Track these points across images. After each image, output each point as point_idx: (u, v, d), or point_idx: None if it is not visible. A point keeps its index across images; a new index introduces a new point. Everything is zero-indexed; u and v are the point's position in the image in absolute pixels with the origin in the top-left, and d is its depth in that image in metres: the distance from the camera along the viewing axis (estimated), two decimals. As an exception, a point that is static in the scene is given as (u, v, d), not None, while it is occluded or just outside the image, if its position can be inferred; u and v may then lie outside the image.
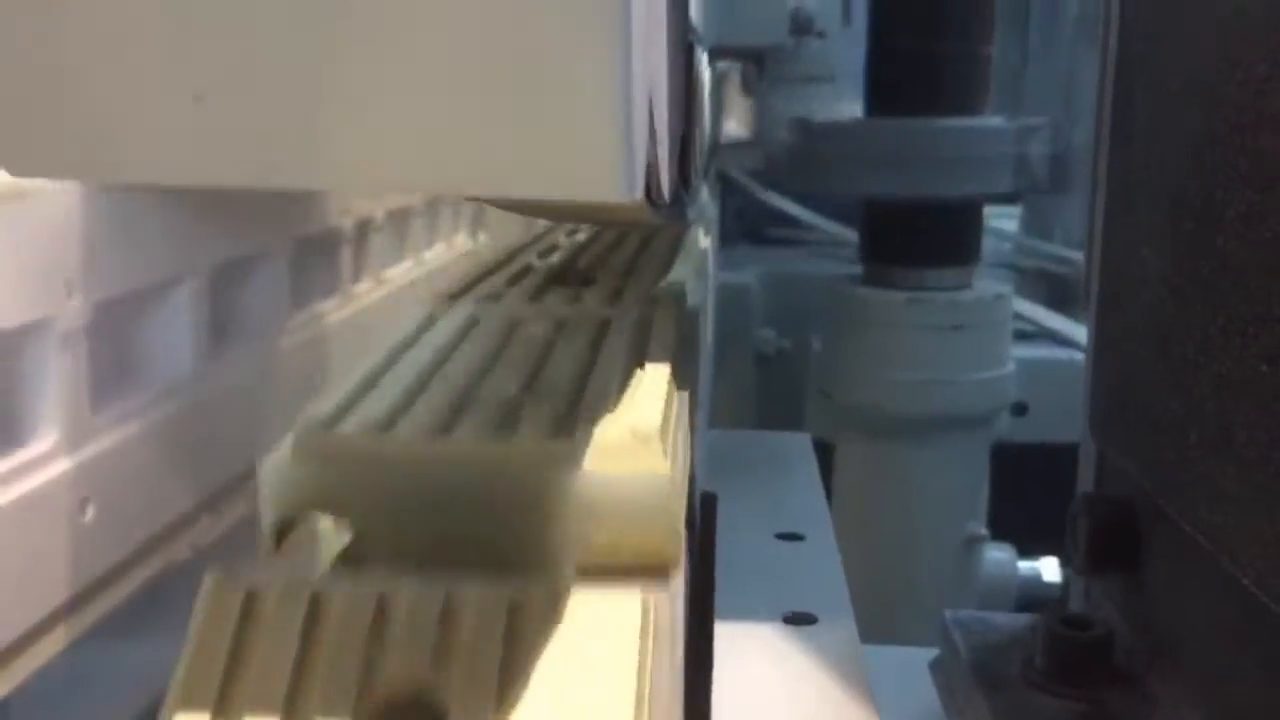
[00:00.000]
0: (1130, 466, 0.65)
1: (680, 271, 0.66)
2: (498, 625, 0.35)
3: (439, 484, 0.37)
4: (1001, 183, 1.77)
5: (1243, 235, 0.50)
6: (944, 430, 1.80)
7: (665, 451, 0.37)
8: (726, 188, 2.18)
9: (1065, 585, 1.61)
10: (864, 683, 0.58)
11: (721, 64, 2.07)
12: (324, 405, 0.40)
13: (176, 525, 0.76)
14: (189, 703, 0.33)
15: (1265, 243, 0.48)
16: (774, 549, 0.76)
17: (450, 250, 1.32)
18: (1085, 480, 0.74)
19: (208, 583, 0.37)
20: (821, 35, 2.14)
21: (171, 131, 0.29)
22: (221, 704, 0.33)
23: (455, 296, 0.59)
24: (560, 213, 0.66)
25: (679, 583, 0.39)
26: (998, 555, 1.89)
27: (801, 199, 2.32)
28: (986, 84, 1.80)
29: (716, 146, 1.56)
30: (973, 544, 1.85)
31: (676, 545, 0.37)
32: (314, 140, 0.29)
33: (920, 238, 1.80)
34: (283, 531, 0.37)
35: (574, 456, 0.36)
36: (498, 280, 0.64)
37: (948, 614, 0.72)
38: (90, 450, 0.67)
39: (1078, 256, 1.97)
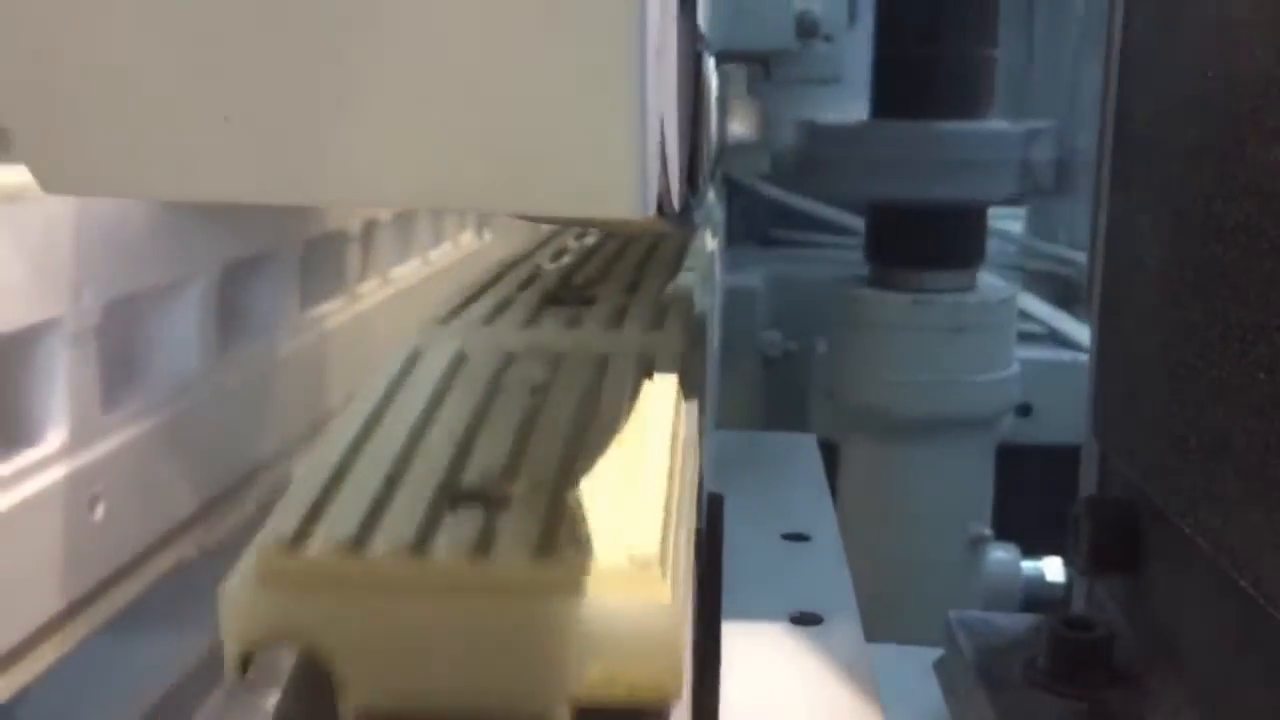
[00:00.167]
0: (1131, 470, 0.65)
1: (688, 276, 0.66)
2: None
3: (416, 611, 0.34)
4: (1006, 186, 1.77)
5: (1241, 245, 0.51)
6: (948, 431, 1.80)
7: (665, 574, 0.34)
8: (732, 189, 2.18)
9: (1069, 585, 1.62)
10: (869, 682, 0.59)
11: (727, 66, 2.07)
12: (288, 516, 0.37)
13: (185, 524, 0.76)
14: None
15: (1262, 253, 0.49)
16: (780, 549, 0.76)
17: (456, 250, 1.32)
18: (1088, 482, 0.74)
19: None
20: (828, 39, 2.14)
21: (201, 150, 0.29)
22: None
23: (446, 320, 0.58)
24: (570, 219, 0.66)
25: (682, 712, 0.38)
26: (1002, 555, 1.89)
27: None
28: (991, 87, 1.80)
29: (722, 149, 1.57)
30: (977, 544, 1.85)
31: (677, 680, 0.35)
32: (337, 159, 0.30)
33: (925, 240, 1.81)
34: (247, 660, 0.35)
35: (567, 581, 0.34)
36: (493, 298, 0.63)
37: (951, 614, 0.73)
38: (100, 449, 0.67)
39: (1082, 258, 1.97)
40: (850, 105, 1.97)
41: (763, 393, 2.20)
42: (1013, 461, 1.87)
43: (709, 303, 0.71)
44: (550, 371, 0.52)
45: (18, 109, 0.29)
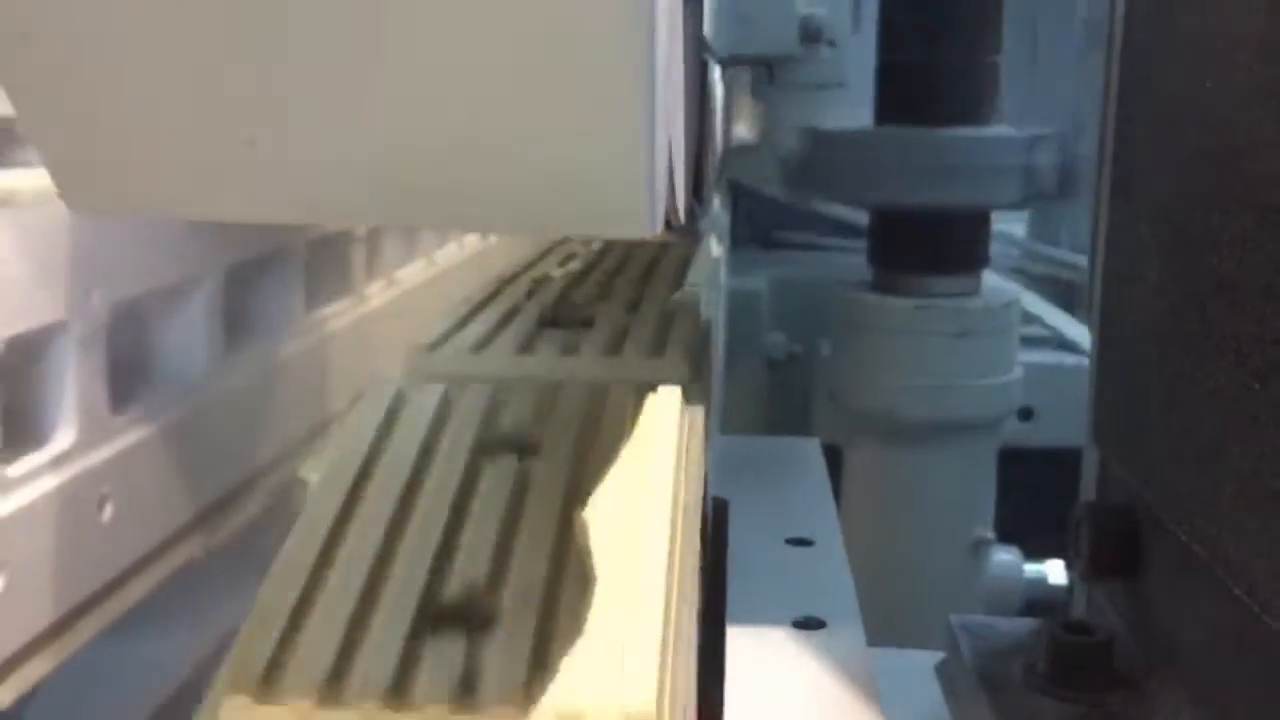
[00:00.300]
0: (1130, 476, 0.66)
1: (694, 282, 0.67)
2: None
3: None
4: (1010, 192, 1.77)
5: (1236, 258, 0.51)
6: (951, 435, 1.81)
7: None
8: (736, 191, 2.18)
9: (1071, 587, 1.62)
10: (871, 687, 0.59)
11: (732, 70, 2.07)
12: (257, 645, 0.34)
13: (191, 524, 0.76)
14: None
15: (1257, 266, 0.49)
16: (784, 554, 0.76)
17: (462, 250, 1.32)
18: (1088, 488, 0.75)
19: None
20: (832, 44, 2.14)
21: (225, 172, 0.30)
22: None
23: (436, 345, 0.57)
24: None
25: None
26: (1004, 558, 1.89)
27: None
28: (994, 93, 1.80)
29: (728, 154, 1.57)
30: (979, 547, 1.85)
31: None
32: (357, 182, 0.30)
33: (928, 246, 1.81)
34: None
35: None
36: (486, 320, 0.61)
37: (953, 618, 0.73)
38: (109, 449, 0.67)
39: (1084, 261, 1.98)
40: (855, 110, 1.97)
41: (766, 395, 2.20)
42: (1014, 464, 1.88)
43: (714, 309, 0.71)
44: (540, 421, 0.49)
45: (50, 133, 0.30)
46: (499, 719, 0.32)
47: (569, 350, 0.57)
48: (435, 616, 0.36)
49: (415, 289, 1.16)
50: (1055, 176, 1.76)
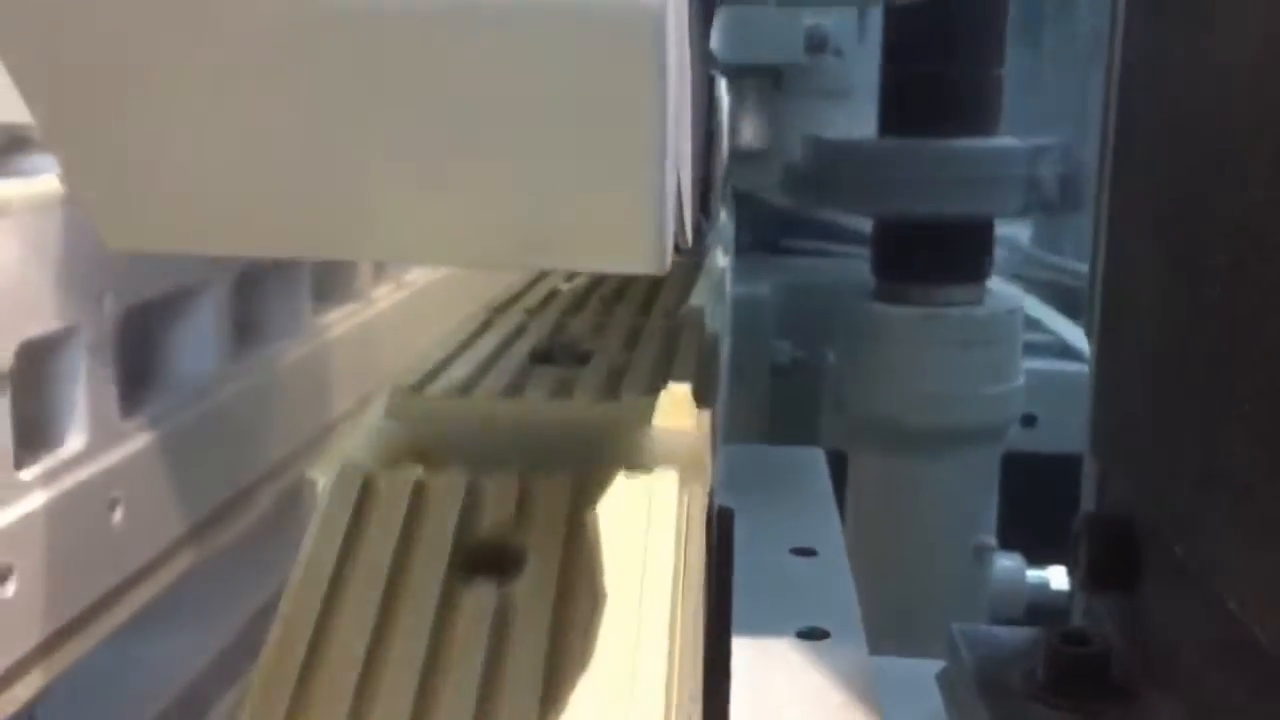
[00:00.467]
0: (1127, 489, 0.66)
1: (700, 296, 0.67)
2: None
3: None
4: (1013, 203, 1.78)
5: (1230, 281, 0.52)
6: (955, 442, 1.81)
7: None
8: (742, 199, 2.19)
9: (1073, 594, 1.63)
10: (873, 697, 0.60)
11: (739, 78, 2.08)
12: None
13: (200, 526, 0.77)
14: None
15: (1251, 288, 0.50)
16: (788, 564, 0.77)
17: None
18: (1088, 498, 0.75)
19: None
20: (838, 53, 2.14)
21: (252, 213, 0.31)
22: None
23: (420, 386, 0.54)
24: None
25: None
26: (1007, 564, 1.90)
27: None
28: (998, 104, 1.81)
29: (734, 162, 1.58)
30: (982, 553, 1.86)
31: None
32: (378, 224, 0.31)
33: (933, 255, 1.82)
34: None
35: None
36: (474, 358, 0.58)
37: (954, 627, 0.74)
38: (119, 453, 0.67)
39: (1088, 269, 1.98)
40: (862, 118, 1.98)
41: (772, 401, 2.21)
42: (1017, 470, 1.88)
43: (719, 320, 0.71)
44: (522, 521, 0.45)
45: (90, 177, 0.30)
46: None
47: (561, 391, 0.54)
48: None
49: (423, 292, 1.16)
50: (1058, 186, 1.76)
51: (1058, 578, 1.89)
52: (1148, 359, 0.63)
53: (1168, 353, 0.60)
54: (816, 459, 1.00)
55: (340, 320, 0.98)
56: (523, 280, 0.76)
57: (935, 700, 0.74)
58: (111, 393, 0.67)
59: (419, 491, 0.46)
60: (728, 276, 0.96)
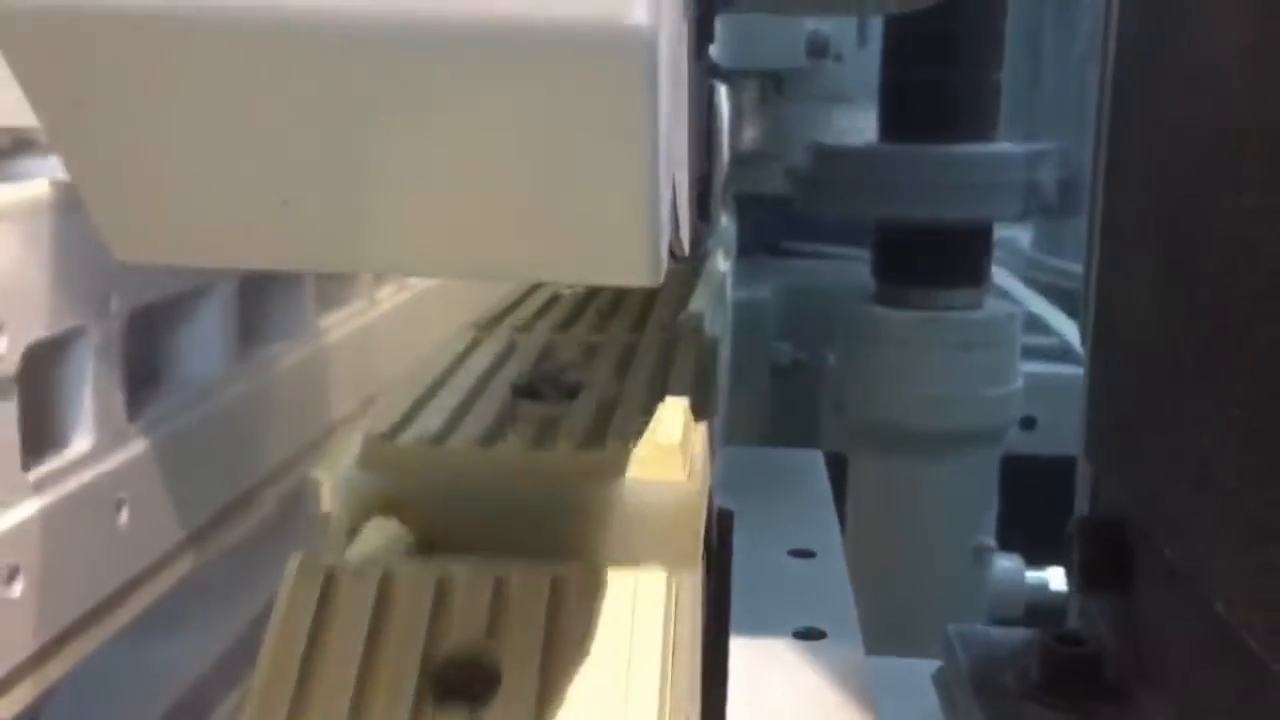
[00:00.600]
0: (1120, 492, 0.67)
1: (699, 301, 0.66)
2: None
3: None
4: (1012, 207, 1.79)
5: (1219, 289, 0.53)
6: (955, 445, 1.82)
7: None
8: (743, 201, 2.19)
9: (1070, 595, 1.62)
10: (868, 697, 0.60)
11: (740, 81, 2.09)
12: None
13: (206, 527, 0.77)
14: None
15: (1240, 296, 0.51)
16: (786, 565, 0.77)
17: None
18: (1082, 501, 0.76)
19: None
20: (839, 58, 2.15)
21: (261, 228, 0.32)
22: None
23: (391, 435, 0.49)
24: None
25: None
26: (1006, 565, 1.91)
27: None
28: (996, 110, 1.82)
29: (735, 164, 1.58)
30: (981, 554, 1.86)
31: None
32: (382, 238, 0.32)
33: (932, 259, 1.83)
34: None
35: None
36: (451, 398, 0.54)
37: (950, 628, 0.74)
38: (125, 454, 0.67)
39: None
40: (863, 121, 1.99)
41: (772, 403, 2.21)
42: (1017, 472, 1.89)
43: (722, 327, 0.71)
44: (494, 630, 0.42)
45: (102, 192, 0.31)
46: None
47: (545, 433, 0.50)
48: None
49: (426, 293, 1.16)
50: (1056, 191, 1.77)
51: (1057, 579, 1.90)
52: (1140, 364, 0.64)
53: (1159, 357, 0.61)
54: (815, 461, 1.01)
55: (344, 322, 0.98)
56: (520, 285, 0.76)
57: (931, 699, 0.75)
58: (117, 394, 0.67)
59: (385, 592, 0.43)
60: (728, 280, 0.97)
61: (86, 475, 0.64)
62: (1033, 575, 1.92)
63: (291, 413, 0.89)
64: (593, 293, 0.72)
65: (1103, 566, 0.67)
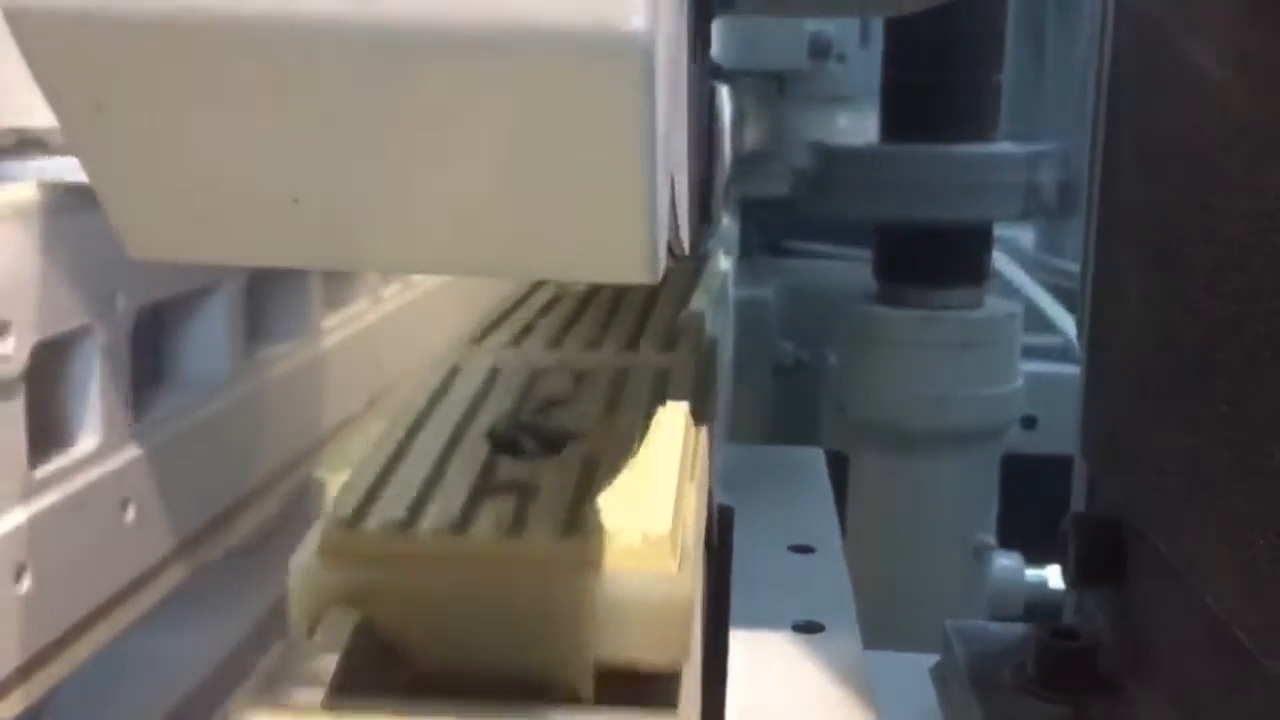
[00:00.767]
0: (1115, 490, 0.67)
1: (700, 300, 0.66)
2: None
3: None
4: (1012, 208, 1.79)
5: (1209, 288, 0.53)
6: (955, 444, 1.82)
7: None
8: (745, 200, 2.19)
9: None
10: (865, 688, 0.61)
11: (742, 81, 2.09)
12: None
13: (211, 525, 0.77)
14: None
15: (1228, 296, 0.51)
16: (786, 560, 0.78)
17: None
18: (1078, 499, 0.76)
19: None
20: (841, 59, 2.15)
21: (272, 226, 0.32)
22: None
23: (353, 521, 0.46)
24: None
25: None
26: (1006, 563, 1.91)
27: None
28: (997, 111, 1.83)
29: (737, 164, 1.58)
30: (982, 552, 1.87)
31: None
32: (388, 237, 0.33)
33: (933, 259, 1.83)
34: None
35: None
36: (419, 467, 0.50)
37: (948, 623, 0.75)
38: (131, 453, 0.67)
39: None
40: (865, 121, 1.99)
41: (774, 402, 2.22)
42: (1017, 471, 1.89)
43: (722, 327, 0.71)
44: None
45: (117, 191, 0.32)
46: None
47: (521, 512, 0.46)
48: None
49: (432, 291, 1.16)
50: (1056, 192, 1.78)
51: (1056, 577, 1.90)
52: (1134, 363, 0.65)
53: (1153, 357, 0.61)
54: (816, 459, 1.01)
55: (348, 322, 0.98)
56: (518, 288, 0.76)
57: (929, 693, 0.75)
58: (124, 393, 0.67)
59: None
60: (729, 279, 0.97)
61: (92, 474, 0.64)
62: (1032, 573, 1.92)
63: (296, 412, 0.89)
64: (594, 290, 0.72)
65: (1098, 562, 0.67)
